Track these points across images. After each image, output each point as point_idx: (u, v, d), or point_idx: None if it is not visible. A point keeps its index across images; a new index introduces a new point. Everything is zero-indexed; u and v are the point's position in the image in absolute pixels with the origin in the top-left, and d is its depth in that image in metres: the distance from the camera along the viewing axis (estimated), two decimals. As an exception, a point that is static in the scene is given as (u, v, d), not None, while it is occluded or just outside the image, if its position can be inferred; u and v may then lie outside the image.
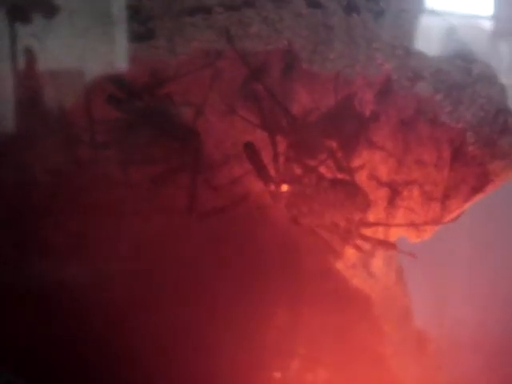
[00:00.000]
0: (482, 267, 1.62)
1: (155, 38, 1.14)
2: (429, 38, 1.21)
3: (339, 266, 1.31)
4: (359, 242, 1.24)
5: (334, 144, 1.20)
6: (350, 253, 1.31)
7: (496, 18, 1.27)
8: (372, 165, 1.23)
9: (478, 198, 1.20)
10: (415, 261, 1.23)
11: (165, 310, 1.23)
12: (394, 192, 1.23)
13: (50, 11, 1.16)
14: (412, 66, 1.16)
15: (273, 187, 1.19)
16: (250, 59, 1.15)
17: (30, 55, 1.17)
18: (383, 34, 1.17)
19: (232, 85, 1.17)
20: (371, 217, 1.25)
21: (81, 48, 1.17)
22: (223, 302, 1.24)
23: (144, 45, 1.14)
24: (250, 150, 1.16)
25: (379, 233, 1.29)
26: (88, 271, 1.22)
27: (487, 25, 1.28)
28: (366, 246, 1.28)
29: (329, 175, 1.19)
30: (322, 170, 1.19)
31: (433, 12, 1.22)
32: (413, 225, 1.24)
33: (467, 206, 1.21)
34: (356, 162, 1.21)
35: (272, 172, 1.19)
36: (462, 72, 1.17)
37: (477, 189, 1.18)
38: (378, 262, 1.38)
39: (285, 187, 1.19)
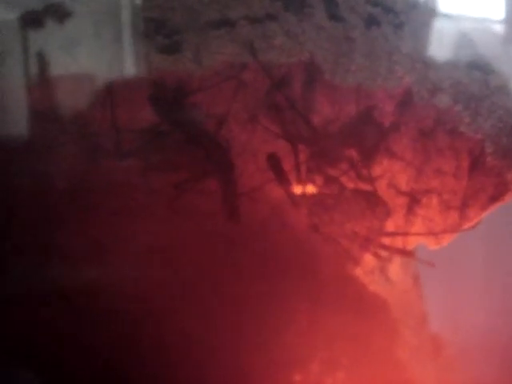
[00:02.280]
0: (496, 273, 1.63)
1: (182, 52, 1.16)
2: (446, 48, 1.23)
3: (357, 271, 1.33)
4: (378, 250, 1.26)
5: (354, 153, 1.22)
6: (369, 259, 1.33)
7: (508, 22, 1.29)
8: (391, 174, 1.25)
9: (496, 206, 1.22)
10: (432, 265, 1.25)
11: (183, 315, 1.24)
12: (413, 200, 1.25)
13: (63, 16, 1.19)
14: (431, 79, 1.19)
15: (294, 196, 1.21)
16: (273, 71, 1.17)
17: (42, 61, 1.20)
18: (403, 47, 1.19)
19: (255, 96, 1.19)
20: (390, 224, 1.27)
21: (108, 59, 1.19)
22: (242, 306, 1.25)
23: (170, 57, 1.16)
24: (274, 160, 1.18)
25: (398, 240, 1.31)
26: (107, 276, 1.24)
27: (499, 29, 1.29)
28: (385, 253, 1.31)
29: (350, 185, 1.21)
30: (344, 179, 1.21)
31: (448, 17, 1.24)
32: (431, 233, 1.26)
33: (485, 214, 1.23)
34: (376, 171, 1.23)
35: (294, 181, 1.21)
36: (480, 84, 1.20)
37: (495, 198, 1.20)
38: (395, 268, 1.40)
39: (306, 196, 1.21)
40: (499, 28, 1.31)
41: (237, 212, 1.23)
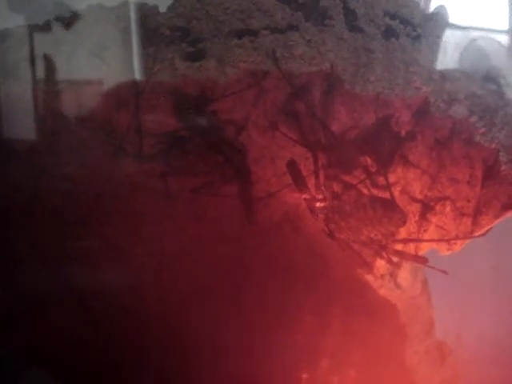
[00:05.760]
0: (503, 283, 1.65)
1: (206, 59, 1.18)
2: (462, 60, 1.26)
3: (368, 276, 1.35)
4: (392, 256, 1.28)
5: (369, 161, 1.25)
6: (379, 264, 1.36)
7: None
8: (406, 181, 1.28)
9: (509, 214, 1.24)
10: (438, 272, 1.26)
11: (196, 316, 1.26)
12: (427, 207, 1.28)
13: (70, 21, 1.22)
14: (448, 90, 1.22)
15: (312, 202, 1.24)
16: (293, 79, 1.20)
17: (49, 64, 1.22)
18: (420, 58, 1.22)
19: (274, 103, 1.22)
20: (402, 230, 1.30)
21: (133, 65, 1.22)
22: (253, 307, 1.28)
23: (195, 65, 1.18)
24: (293, 166, 1.21)
25: (410, 246, 1.33)
26: (123, 278, 1.26)
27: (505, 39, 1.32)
28: (397, 258, 1.33)
29: (367, 192, 1.23)
30: (361, 186, 1.23)
31: (463, 30, 1.26)
32: (444, 240, 1.28)
33: (497, 221, 1.26)
34: (390, 179, 1.26)
35: (312, 187, 1.23)
36: (495, 95, 1.23)
37: (508, 206, 1.23)
38: (404, 273, 1.43)
39: (324, 202, 1.23)
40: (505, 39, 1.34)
41: (254, 215, 1.25)
